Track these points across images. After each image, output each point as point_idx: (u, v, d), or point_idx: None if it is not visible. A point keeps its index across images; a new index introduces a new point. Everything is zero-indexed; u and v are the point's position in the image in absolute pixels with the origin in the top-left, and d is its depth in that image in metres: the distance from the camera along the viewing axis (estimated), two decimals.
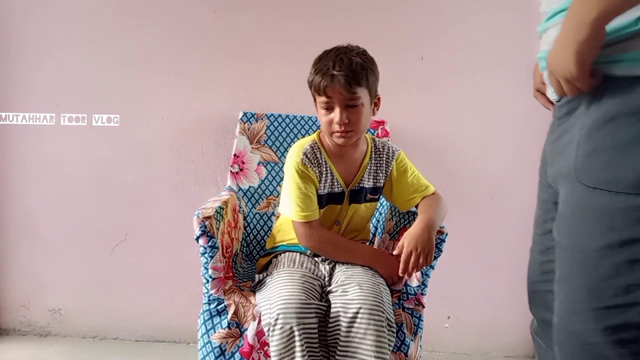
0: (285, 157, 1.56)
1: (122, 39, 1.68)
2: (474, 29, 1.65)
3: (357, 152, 1.28)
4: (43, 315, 1.82)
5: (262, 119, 1.60)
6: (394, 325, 1.08)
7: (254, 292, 1.18)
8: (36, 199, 1.75)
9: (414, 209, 1.29)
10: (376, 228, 1.48)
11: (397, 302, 1.19)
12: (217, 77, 1.69)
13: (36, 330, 1.83)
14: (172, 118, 1.71)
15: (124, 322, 1.81)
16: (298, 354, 1.00)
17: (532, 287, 0.96)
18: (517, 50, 1.59)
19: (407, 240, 1.11)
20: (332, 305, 1.07)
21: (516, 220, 1.65)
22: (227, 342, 1.12)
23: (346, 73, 1.10)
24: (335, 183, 1.26)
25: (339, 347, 1.04)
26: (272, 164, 1.59)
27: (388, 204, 1.43)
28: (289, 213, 1.21)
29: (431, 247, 1.12)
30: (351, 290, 1.07)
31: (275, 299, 1.04)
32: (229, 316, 1.13)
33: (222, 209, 1.25)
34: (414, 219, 1.25)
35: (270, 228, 1.54)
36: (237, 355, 1.12)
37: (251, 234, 1.54)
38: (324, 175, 1.24)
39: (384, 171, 1.30)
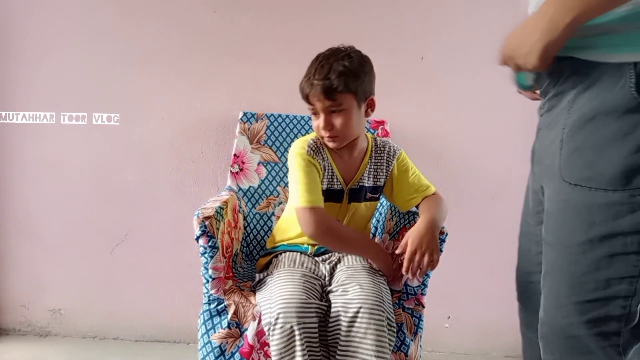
0: (285, 157, 1.57)
1: (122, 39, 1.68)
2: (474, 29, 1.65)
3: (356, 151, 1.28)
4: (43, 315, 1.82)
5: (262, 119, 1.61)
6: (395, 325, 1.08)
7: (254, 292, 1.18)
8: (36, 198, 1.76)
9: (414, 209, 1.29)
10: (376, 228, 1.48)
11: (397, 302, 1.19)
12: (217, 77, 1.69)
13: (36, 330, 1.83)
14: (172, 118, 1.71)
15: (124, 322, 1.81)
16: (298, 354, 1.00)
17: (526, 278, 0.96)
18: None
19: (411, 238, 1.11)
20: (333, 305, 1.07)
21: (516, 220, 1.64)
22: (227, 342, 1.12)
23: (324, 82, 1.13)
24: (335, 180, 1.26)
25: (339, 347, 1.04)
26: (272, 164, 1.59)
27: (388, 204, 1.43)
28: (295, 200, 1.20)
29: (435, 246, 1.12)
30: (352, 290, 1.07)
31: (276, 299, 1.04)
32: (229, 316, 1.13)
33: (222, 209, 1.25)
34: (414, 219, 1.25)
35: (270, 228, 1.54)
36: (237, 355, 1.11)
37: (251, 234, 1.54)
38: (325, 171, 1.24)
39: (384, 170, 1.30)
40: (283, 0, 1.66)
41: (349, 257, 1.25)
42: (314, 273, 1.19)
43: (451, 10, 1.65)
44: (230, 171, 1.56)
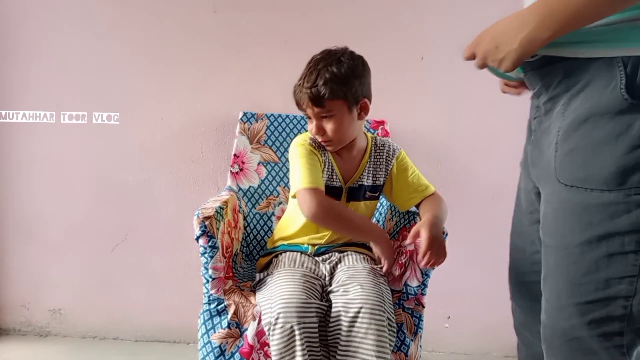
0: (285, 157, 1.57)
1: (123, 38, 1.68)
2: (474, 29, 1.65)
3: (355, 151, 1.29)
4: (43, 315, 1.82)
5: (262, 119, 1.61)
6: (395, 325, 1.08)
7: (254, 292, 1.18)
8: (36, 197, 1.76)
9: (414, 208, 1.29)
10: None
11: (397, 302, 1.19)
12: (217, 77, 1.69)
13: (36, 330, 1.83)
14: (172, 118, 1.71)
15: (124, 322, 1.81)
16: (298, 353, 1.00)
17: (521, 278, 0.97)
18: None
19: (425, 230, 1.10)
20: (333, 305, 1.07)
21: None
22: (227, 342, 1.12)
23: (311, 89, 1.15)
24: (334, 177, 1.26)
25: (339, 347, 1.04)
26: (272, 164, 1.59)
27: (388, 204, 1.43)
28: (296, 183, 1.19)
29: (444, 242, 1.13)
30: (352, 290, 1.07)
31: (276, 298, 1.04)
32: (229, 316, 1.13)
33: (222, 209, 1.25)
34: (414, 219, 1.25)
35: (270, 228, 1.54)
36: (237, 356, 1.11)
37: (251, 234, 1.54)
38: (325, 166, 1.25)
39: (383, 169, 1.30)
40: (283, 0, 1.66)
41: (350, 257, 1.25)
42: (314, 273, 1.19)
43: (451, 10, 1.65)
44: (230, 171, 1.56)
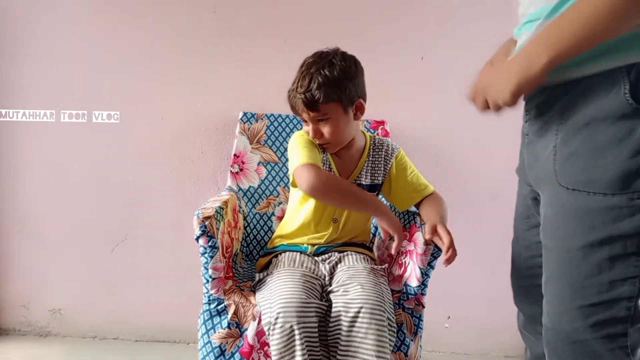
0: (285, 157, 1.57)
1: (123, 37, 1.68)
2: (474, 29, 1.65)
3: (354, 150, 1.29)
4: (43, 315, 1.82)
5: (262, 119, 1.61)
6: (395, 325, 1.08)
7: (254, 292, 1.18)
8: (36, 197, 1.76)
9: (413, 208, 1.29)
10: (376, 228, 1.48)
11: (397, 302, 1.18)
12: (217, 77, 1.69)
13: (36, 330, 1.83)
14: (172, 118, 1.71)
15: (124, 322, 1.81)
16: (298, 353, 1.00)
17: (518, 282, 0.98)
18: None
19: (442, 226, 1.11)
20: (333, 305, 1.07)
21: None
22: (227, 342, 1.12)
23: (305, 94, 1.15)
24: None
25: (339, 347, 1.04)
26: (272, 164, 1.59)
27: (388, 204, 1.43)
28: (295, 162, 1.19)
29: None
30: (353, 290, 1.07)
31: (276, 298, 1.04)
32: (229, 316, 1.13)
33: (222, 209, 1.25)
34: (414, 220, 1.25)
35: (270, 228, 1.54)
36: (237, 355, 1.11)
37: (251, 234, 1.54)
38: (324, 165, 1.25)
39: (382, 168, 1.30)
40: (283, 0, 1.66)
41: (350, 257, 1.25)
42: (313, 273, 1.19)
43: (451, 10, 1.65)
44: (230, 171, 1.56)
